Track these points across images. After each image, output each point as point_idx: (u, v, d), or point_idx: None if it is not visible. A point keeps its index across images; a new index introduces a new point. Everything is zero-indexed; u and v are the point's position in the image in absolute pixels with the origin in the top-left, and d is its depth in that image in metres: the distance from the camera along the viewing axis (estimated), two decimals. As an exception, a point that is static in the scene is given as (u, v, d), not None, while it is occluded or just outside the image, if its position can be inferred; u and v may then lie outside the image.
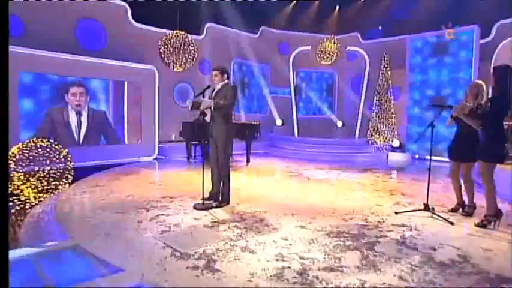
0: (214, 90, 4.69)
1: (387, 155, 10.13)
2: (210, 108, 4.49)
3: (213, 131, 4.58)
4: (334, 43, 10.79)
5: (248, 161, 8.69)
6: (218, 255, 3.05)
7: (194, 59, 9.45)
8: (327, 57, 11.67)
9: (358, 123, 11.70)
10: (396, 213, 4.43)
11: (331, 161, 9.24)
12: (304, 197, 5.32)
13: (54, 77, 7.55)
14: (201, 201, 4.59)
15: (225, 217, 4.17)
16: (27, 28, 7.47)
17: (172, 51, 9.00)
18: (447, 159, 4.68)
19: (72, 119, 7.80)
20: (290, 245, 3.34)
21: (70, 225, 3.83)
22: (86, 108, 8.03)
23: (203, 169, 4.55)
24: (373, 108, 10.78)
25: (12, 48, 6.71)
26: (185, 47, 9.06)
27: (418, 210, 4.44)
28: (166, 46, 8.98)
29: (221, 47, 11.20)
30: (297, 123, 12.31)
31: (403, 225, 3.96)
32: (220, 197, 4.72)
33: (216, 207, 4.56)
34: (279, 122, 12.68)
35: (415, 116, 10.11)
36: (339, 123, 12.90)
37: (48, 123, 7.45)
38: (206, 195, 4.67)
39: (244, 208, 4.59)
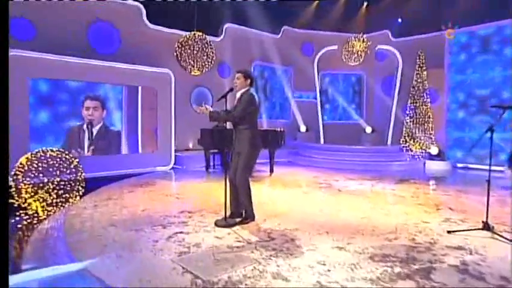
0: (236, 96, 4.39)
1: (424, 163, 9.65)
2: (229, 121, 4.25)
3: (236, 144, 4.28)
4: (363, 42, 10.38)
5: (272, 170, 8.37)
6: (246, 284, 2.72)
7: (213, 62, 9.28)
8: (355, 58, 11.29)
9: (391, 129, 11.20)
10: (449, 232, 3.99)
11: (362, 171, 8.80)
12: (337, 212, 4.94)
13: (69, 89, 7.50)
14: (222, 217, 4.29)
15: (251, 236, 3.84)
16: (38, 32, 7.44)
17: (190, 54, 8.84)
18: (498, 168, 4.22)
19: (86, 133, 7.75)
20: (329, 270, 2.98)
21: (78, 245, 3.60)
22: (101, 124, 7.94)
23: (225, 181, 4.25)
24: (408, 112, 10.26)
25: (21, 53, 6.69)
26: (203, 49, 8.88)
27: (475, 229, 3.98)
28: (183, 48, 8.84)
29: (241, 48, 10.98)
30: (323, 130, 11.91)
31: (460, 248, 3.53)
32: (243, 213, 4.40)
33: (240, 224, 4.25)
34: (303, 128, 12.32)
35: (455, 120, 9.57)
36: (368, 129, 12.43)
37: (70, 143, 7.47)
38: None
39: (271, 225, 4.25)
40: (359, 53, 10.73)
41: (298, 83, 12.54)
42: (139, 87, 8.59)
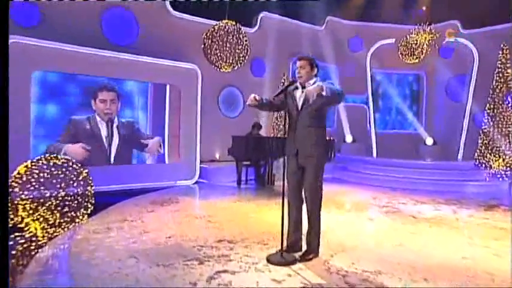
0: (301, 91, 3.72)
1: (510, 184, 8.69)
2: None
3: (301, 147, 3.61)
4: (429, 33, 9.58)
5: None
6: None
7: (247, 57, 8.71)
8: (417, 54, 10.46)
9: (463, 141, 10.27)
10: None
11: (431, 192, 7.95)
12: (424, 248, 4.17)
13: (79, 78, 7.10)
14: (277, 251, 3.64)
15: (320, 280, 3.15)
16: (43, 17, 7.05)
17: (221, 47, 8.28)
18: None
19: (103, 130, 7.27)
20: None
21: (88, 285, 2.98)
22: (117, 120, 7.51)
23: (283, 201, 3.59)
24: (486, 120, 9.35)
25: (24, 40, 6.31)
26: (237, 42, 8.32)
27: None
28: (212, 40, 8.29)
29: (278, 42, 10.45)
30: (376, 140, 11.11)
31: None
32: (302, 246, 3.73)
33: (301, 260, 3.56)
34: (349, 139, 11.57)
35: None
36: (429, 141, 11.58)
37: (70, 136, 6.93)
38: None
39: (343, 264, 3.54)
40: (424, 47, 9.89)
41: (344, 85, 11.77)
42: (168, 86, 8.27)
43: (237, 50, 8.43)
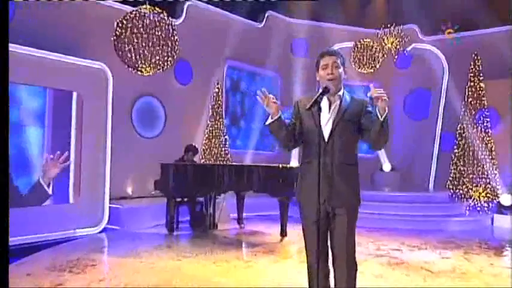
0: (328, 106, 2.98)
1: (492, 218, 8.89)
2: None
3: (332, 192, 2.91)
4: (396, 36, 9.63)
5: (284, 232, 6.98)
6: None
7: (176, 57, 7.83)
8: (372, 63, 10.48)
9: (433, 168, 10.42)
10: None
11: (415, 231, 7.77)
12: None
13: None
14: None
15: None
16: None
17: (143, 41, 7.25)
18: None
19: None
20: None
21: None
22: None
23: (318, 264, 2.75)
24: (458, 143, 9.56)
25: None
26: (168, 35, 7.39)
27: None
28: (132, 31, 7.24)
29: (208, 40, 9.75)
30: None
31: None
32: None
33: None
34: (294, 163, 11.08)
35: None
36: (386, 166, 11.61)
37: None
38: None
39: None
40: (382, 53, 9.93)
41: (287, 97, 11.37)
42: (75, 94, 7.13)
43: (165, 47, 7.48)
